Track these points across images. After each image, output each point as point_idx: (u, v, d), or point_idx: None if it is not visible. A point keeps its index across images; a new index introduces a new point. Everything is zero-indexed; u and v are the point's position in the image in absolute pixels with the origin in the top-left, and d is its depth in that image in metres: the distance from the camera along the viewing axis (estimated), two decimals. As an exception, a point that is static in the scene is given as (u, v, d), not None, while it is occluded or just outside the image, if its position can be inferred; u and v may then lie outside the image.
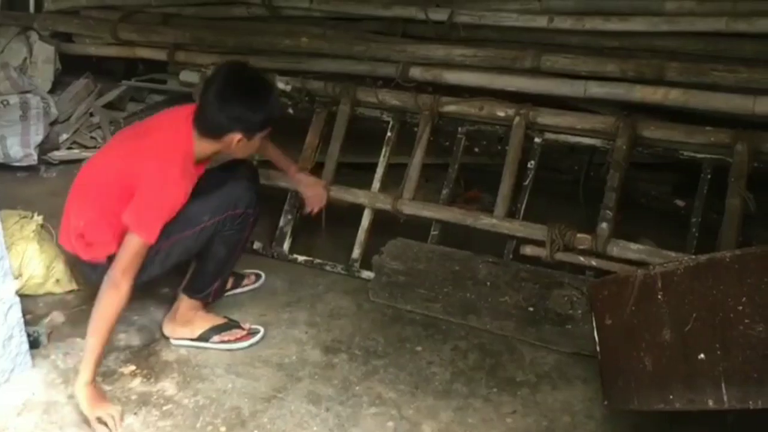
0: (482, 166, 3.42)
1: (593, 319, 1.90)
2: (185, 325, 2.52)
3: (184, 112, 2.32)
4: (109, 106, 4.25)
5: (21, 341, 2.30)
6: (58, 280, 2.81)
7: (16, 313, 2.26)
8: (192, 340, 2.50)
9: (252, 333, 2.54)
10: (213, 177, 2.43)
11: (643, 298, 1.68)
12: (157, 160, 2.21)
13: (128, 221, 2.19)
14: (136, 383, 2.34)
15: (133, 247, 2.18)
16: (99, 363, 2.17)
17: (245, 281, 2.84)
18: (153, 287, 2.84)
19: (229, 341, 2.50)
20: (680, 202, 3.02)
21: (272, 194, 3.00)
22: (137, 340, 2.56)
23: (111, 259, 2.24)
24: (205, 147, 2.28)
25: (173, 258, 2.37)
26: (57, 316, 2.66)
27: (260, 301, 2.79)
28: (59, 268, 2.83)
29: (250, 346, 2.51)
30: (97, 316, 2.15)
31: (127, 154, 2.30)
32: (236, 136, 2.24)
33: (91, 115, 4.17)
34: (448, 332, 2.59)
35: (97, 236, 2.32)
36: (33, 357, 2.37)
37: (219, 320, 2.55)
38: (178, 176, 2.20)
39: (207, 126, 2.24)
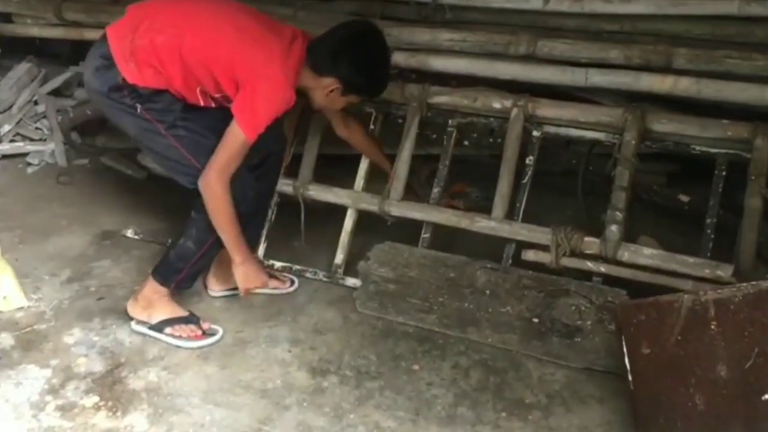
0: (467, 158, 3.19)
1: (624, 344, 1.70)
2: (145, 308, 2.42)
3: (291, 32, 2.30)
4: (55, 93, 3.88)
5: (-37, 373, 2.02)
6: (5, 297, 2.51)
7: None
8: (149, 327, 2.41)
9: (208, 334, 2.40)
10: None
11: (692, 328, 1.49)
12: (276, 63, 2.18)
13: (238, 115, 2.17)
14: (100, 418, 2.08)
15: (235, 144, 2.18)
16: (242, 246, 2.32)
17: (275, 283, 2.63)
18: (115, 302, 2.57)
19: (180, 337, 2.37)
20: (684, 198, 2.83)
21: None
22: (99, 365, 2.29)
23: (144, 93, 2.22)
24: (305, 76, 2.28)
25: (153, 156, 2.45)
26: (5, 339, 2.37)
27: (235, 314, 2.53)
28: (6, 283, 2.53)
29: (201, 348, 2.36)
30: (215, 221, 2.26)
31: (241, 39, 2.20)
32: (333, 84, 2.27)
33: (36, 103, 3.80)
34: (446, 347, 2.37)
35: (163, 64, 2.21)
36: (-21, 391, 2.09)
37: (179, 312, 2.43)
38: (291, 84, 2.20)
39: (317, 57, 2.26)
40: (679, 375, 1.51)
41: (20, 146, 3.63)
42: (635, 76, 2.51)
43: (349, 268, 2.70)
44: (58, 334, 2.40)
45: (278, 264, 2.75)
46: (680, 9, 2.53)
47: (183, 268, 2.39)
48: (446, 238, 2.71)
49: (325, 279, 2.69)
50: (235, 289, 2.51)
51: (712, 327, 1.44)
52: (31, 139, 3.66)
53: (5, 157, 3.60)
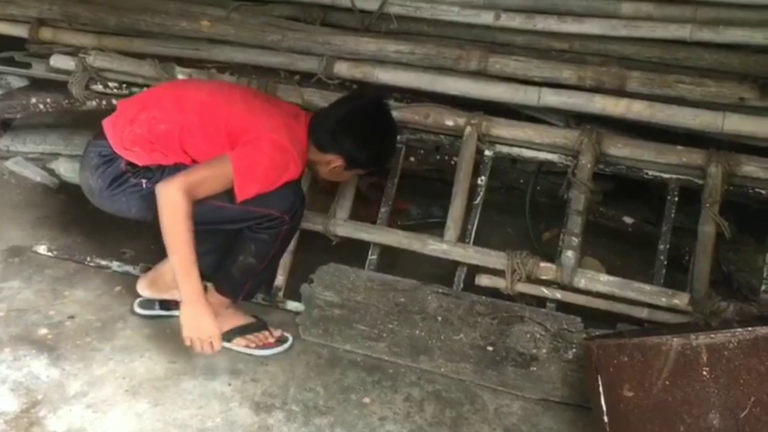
0: (410, 173, 3.08)
1: (600, 384, 1.62)
2: None
3: (293, 109, 2.33)
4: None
5: None
6: None
7: None
8: None
9: (280, 341, 2.33)
10: None
11: (682, 372, 1.42)
12: (281, 131, 2.13)
13: (234, 164, 2.04)
14: (14, 468, 1.84)
15: (218, 178, 2.04)
16: (195, 277, 2.04)
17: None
18: (27, 330, 2.31)
19: (254, 346, 2.29)
20: (628, 220, 2.82)
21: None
22: (13, 403, 2.04)
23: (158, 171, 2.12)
24: (310, 151, 2.23)
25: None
26: None
27: (165, 342, 2.32)
28: None
29: (274, 354, 2.29)
30: (169, 236, 2.02)
31: (247, 111, 2.17)
32: (337, 161, 2.21)
33: (-69, 101, 3.42)
34: (397, 377, 2.25)
35: (164, 149, 2.13)
36: None
37: (246, 319, 2.34)
38: (297, 153, 2.14)
39: (319, 134, 2.21)
40: (666, 422, 1.44)
41: None
42: (588, 98, 2.46)
43: (290, 290, 2.54)
44: (-37, 367, 2.13)
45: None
46: (633, 32, 2.50)
47: (246, 281, 2.25)
48: (391, 257, 2.59)
49: (264, 302, 2.51)
50: (167, 301, 2.36)
51: (704, 373, 1.38)
52: (-75, 141, 3.29)
53: None
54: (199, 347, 2.08)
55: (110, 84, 2.93)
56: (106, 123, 2.21)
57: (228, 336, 2.27)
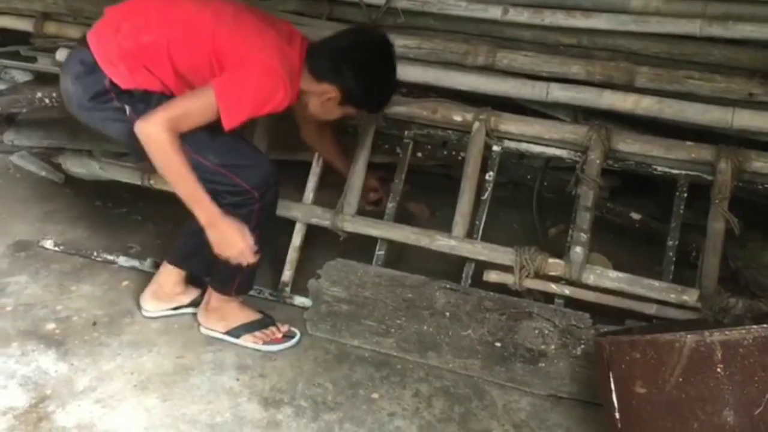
0: (416, 168, 3.07)
1: (611, 380, 1.61)
2: (219, 319, 2.30)
3: (288, 28, 2.18)
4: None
5: None
6: None
7: None
8: (223, 333, 2.29)
9: (288, 336, 2.31)
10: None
11: (696, 370, 1.42)
12: (273, 53, 2.02)
13: (219, 93, 1.95)
14: (25, 462, 1.84)
15: (201, 106, 1.96)
16: (206, 198, 2.01)
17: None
18: (35, 324, 2.31)
19: (261, 341, 2.28)
20: (635, 215, 2.81)
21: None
22: (21, 398, 2.04)
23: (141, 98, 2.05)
24: (302, 79, 2.11)
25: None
26: None
27: (174, 337, 2.32)
28: None
29: (282, 350, 2.28)
30: (165, 173, 2.01)
31: (236, 31, 2.05)
32: (332, 92, 2.11)
33: (-65, 94, 3.41)
34: (406, 373, 2.25)
35: (152, 66, 2.04)
36: None
37: (253, 315, 2.33)
38: (288, 80, 2.01)
39: (318, 60, 2.11)
40: (680, 418, 1.44)
41: None
42: (597, 93, 2.45)
43: (298, 286, 2.53)
44: (-29, 362, 2.13)
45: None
46: (642, 27, 2.50)
47: (236, 271, 2.20)
48: (397, 251, 2.59)
49: (271, 298, 2.51)
50: (175, 308, 2.34)
51: (719, 370, 1.38)
52: (-71, 135, 3.28)
53: None
54: (236, 262, 2.11)
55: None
56: (91, 32, 2.12)
57: (236, 332, 2.27)
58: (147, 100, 2.05)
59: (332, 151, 2.55)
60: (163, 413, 2.02)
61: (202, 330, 2.31)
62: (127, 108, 2.05)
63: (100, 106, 2.07)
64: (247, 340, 2.28)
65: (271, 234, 2.30)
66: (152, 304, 2.38)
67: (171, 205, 2.38)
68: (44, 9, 3.19)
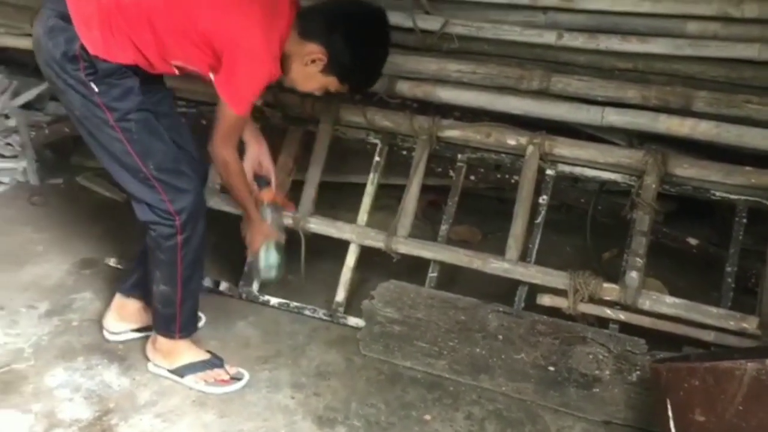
0: (468, 191, 3.09)
1: (669, 407, 1.60)
2: (165, 356, 2.26)
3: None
4: (27, 106, 3.64)
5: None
6: (-21, 333, 2.32)
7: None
8: (168, 371, 2.25)
9: (235, 378, 2.25)
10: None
11: (756, 398, 1.40)
12: (257, 33, 1.97)
13: (222, 93, 2.03)
14: (90, 472, 1.90)
15: (228, 119, 2.07)
16: (249, 209, 2.32)
17: None
18: (99, 340, 2.39)
19: (205, 382, 2.22)
20: (693, 241, 2.78)
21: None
22: (86, 411, 2.11)
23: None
24: (290, 43, 2.06)
25: (93, 145, 2.10)
26: (-20, 382, 2.17)
27: (231, 354, 2.36)
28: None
29: (226, 393, 2.21)
30: (228, 188, 2.28)
31: (219, 6, 1.98)
32: (318, 53, 2.05)
33: (7, 117, 3.56)
34: (458, 395, 2.26)
35: (130, 31, 1.98)
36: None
37: (201, 355, 2.27)
38: (274, 55, 2.02)
39: (309, 20, 2.06)
40: (741, 447, 1.43)
41: (-10, 163, 3.40)
42: (653, 117, 2.44)
43: (350, 306, 2.57)
44: (39, 374, 2.21)
45: (274, 300, 2.60)
46: (700, 51, 2.49)
47: (174, 313, 2.20)
48: (449, 273, 2.60)
49: (325, 318, 2.55)
50: (138, 330, 2.38)
51: (782, 399, 1.37)
52: (2, 156, 3.43)
53: (-27, 174, 3.38)
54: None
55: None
56: None
57: (180, 371, 2.23)
58: (115, 86, 1.99)
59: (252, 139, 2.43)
60: (220, 429, 2.07)
61: (149, 366, 2.27)
62: (93, 85, 1.97)
63: (68, 70, 1.97)
64: (190, 381, 2.22)
65: (197, 284, 2.27)
66: (117, 325, 2.39)
67: (227, 224, 2.46)
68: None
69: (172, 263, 2.12)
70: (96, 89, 1.98)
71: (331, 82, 2.12)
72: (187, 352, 2.25)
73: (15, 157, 3.43)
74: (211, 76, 2.05)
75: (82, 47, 1.94)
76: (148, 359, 2.28)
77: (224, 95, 2.03)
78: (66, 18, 1.95)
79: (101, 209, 3.21)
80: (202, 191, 2.20)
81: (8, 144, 3.48)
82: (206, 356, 2.27)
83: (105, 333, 2.39)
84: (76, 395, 2.15)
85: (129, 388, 2.20)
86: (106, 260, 2.80)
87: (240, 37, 1.96)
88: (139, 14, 1.95)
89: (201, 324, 2.43)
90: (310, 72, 2.09)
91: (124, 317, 2.39)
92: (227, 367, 2.26)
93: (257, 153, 2.42)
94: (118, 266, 2.77)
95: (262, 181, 2.44)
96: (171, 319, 2.20)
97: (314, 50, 2.05)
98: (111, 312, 2.40)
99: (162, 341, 2.24)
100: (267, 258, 2.39)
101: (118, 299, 2.40)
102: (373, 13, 2.11)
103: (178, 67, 2.08)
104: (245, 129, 2.29)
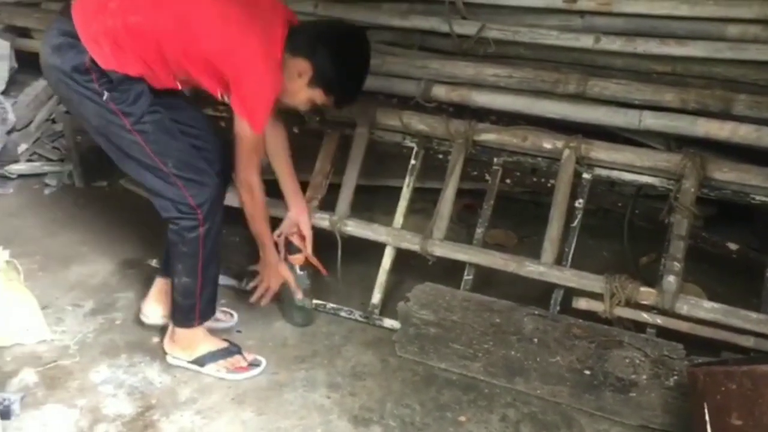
0: (503, 194, 3.10)
1: (706, 412, 1.59)
2: (184, 348, 2.31)
3: (278, 22, 2.18)
4: (73, 111, 3.76)
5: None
6: (27, 329, 2.39)
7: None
8: (188, 362, 2.31)
9: (253, 365, 2.32)
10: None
11: (795, 402, 1.39)
12: (258, 57, 2.07)
13: (239, 112, 2.11)
14: (132, 466, 1.96)
15: (248, 140, 2.16)
16: (266, 247, 2.41)
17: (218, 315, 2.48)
18: (142, 338, 2.45)
19: (226, 370, 2.29)
20: (733, 246, 2.75)
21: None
22: (129, 406, 2.17)
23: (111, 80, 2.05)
24: (282, 60, 2.17)
25: (113, 152, 2.19)
26: (28, 375, 2.24)
27: (269, 354, 2.41)
28: (29, 313, 2.41)
29: (246, 379, 2.28)
30: (250, 218, 2.32)
31: (222, 29, 2.06)
32: (305, 68, 2.16)
33: (54, 121, 3.68)
34: (493, 397, 2.26)
35: (139, 49, 2.05)
36: (4, 433, 1.96)
37: (219, 343, 2.34)
38: (276, 70, 2.13)
39: (297, 37, 2.17)
40: (778, 451, 1.42)
41: (37, 166, 3.51)
42: (691, 121, 2.43)
43: (387, 309, 2.60)
44: (84, 370, 2.28)
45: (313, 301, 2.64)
46: (739, 54, 2.47)
47: (194, 303, 2.27)
48: (485, 276, 2.61)
49: (361, 319, 2.58)
50: (188, 361, 2.34)
51: (820, 402, 1.35)
52: (49, 159, 3.54)
53: (21, 176, 3.49)
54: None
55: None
56: (75, 5, 2.07)
57: (200, 361, 2.29)
58: (126, 91, 2.07)
59: (284, 164, 2.52)
60: (258, 426, 2.11)
61: (168, 359, 2.32)
62: (105, 93, 2.05)
63: (79, 81, 2.05)
64: (211, 369, 2.28)
65: (215, 271, 2.32)
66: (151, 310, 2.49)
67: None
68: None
69: (194, 255, 2.20)
70: (110, 97, 2.06)
71: (317, 95, 2.23)
72: (205, 341, 2.31)
73: (61, 160, 3.55)
74: (225, 98, 2.14)
75: (92, 60, 2.03)
76: (165, 353, 2.34)
77: (242, 114, 2.11)
78: (73, 35, 2.04)
79: (143, 211, 3.24)
80: (220, 183, 2.26)
81: (55, 148, 3.60)
82: (224, 344, 2.33)
83: (141, 316, 2.48)
84: (119, 391, 2.21)
85: (170, 385, 2.25)
86: (148, 261, 2.87)
87: (244, 65, 2.06)
88: (146, 36, 2.04)
89: (226, 319, 2.54)
90: (297, 85, 2.20)
91: (160, 300, 2.46)
92: (245, 353, 2.33)
93: (297, 217, 2.53)
94: (160, 266, 2.83)
95: (293, 247, 2.51)
96: (191, 309, 2.27)
97: (301, 64, 2.16)
98: (149, 297, 2.49)
99: (180, 333, 2.30)
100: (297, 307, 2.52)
101: (159, 284, 2.48)
102: (354, 31, 2.34)
103: (183, 82, 2.18)
104: (288, 185, 2.51)
